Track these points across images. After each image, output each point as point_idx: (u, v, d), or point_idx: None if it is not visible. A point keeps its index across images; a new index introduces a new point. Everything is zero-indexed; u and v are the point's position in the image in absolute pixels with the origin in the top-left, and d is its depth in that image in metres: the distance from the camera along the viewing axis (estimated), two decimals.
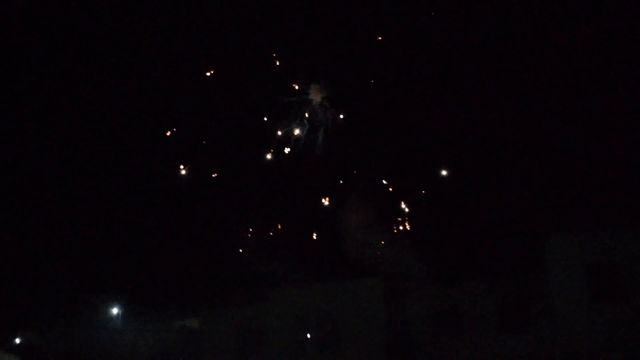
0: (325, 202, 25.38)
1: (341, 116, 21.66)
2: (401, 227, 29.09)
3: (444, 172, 24.42)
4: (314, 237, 32.52)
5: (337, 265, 31.68)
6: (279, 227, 31.60)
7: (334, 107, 21.35)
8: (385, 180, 26.08)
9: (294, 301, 31.28)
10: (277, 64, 21.25)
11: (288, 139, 21.59)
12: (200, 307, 35.00)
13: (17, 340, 36.19)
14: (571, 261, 23.81)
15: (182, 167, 23.20)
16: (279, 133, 21.38)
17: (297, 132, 21.25)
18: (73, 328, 36.19)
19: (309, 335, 30.82)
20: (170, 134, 23.63)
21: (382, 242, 30.35)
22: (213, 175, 24.84)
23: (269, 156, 22.27)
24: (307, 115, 21.01)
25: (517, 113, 30.56)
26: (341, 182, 26.68)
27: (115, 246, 37.29)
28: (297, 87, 20.72)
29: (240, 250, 31.39)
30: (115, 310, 36.40)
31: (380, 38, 21.45)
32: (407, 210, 27.23)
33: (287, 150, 22.00)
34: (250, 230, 31.88)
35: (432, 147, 29.57)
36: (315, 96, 20.87)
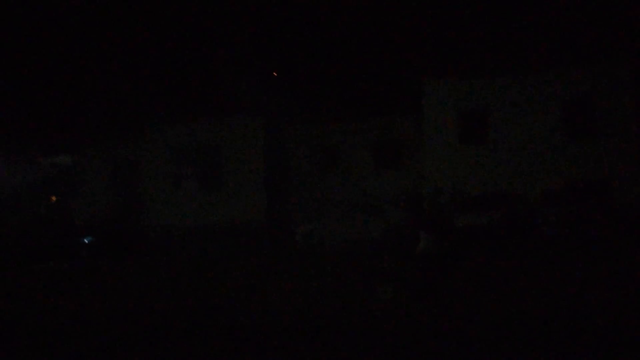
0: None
1: None
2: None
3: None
4: (194, 74, 31.73)
5: (218, 101, 31.34)
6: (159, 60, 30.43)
7: None
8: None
9: (171, 136, 30.88)
10: None
11: None
12: (72, 142, 33.74)
13: None
14: (444, 106, 25.37)
15: None
16: None
17: None
18: None
19: (186, 170, 31.03)
20: None
21: (264, 81, 30.34)
22: None
23: None
24: None
25: None
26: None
27: None
28: None
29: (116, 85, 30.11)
30: None
31: None
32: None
33: None
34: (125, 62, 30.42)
35: None
36: None
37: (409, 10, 30.23)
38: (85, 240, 22.79)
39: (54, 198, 36.22)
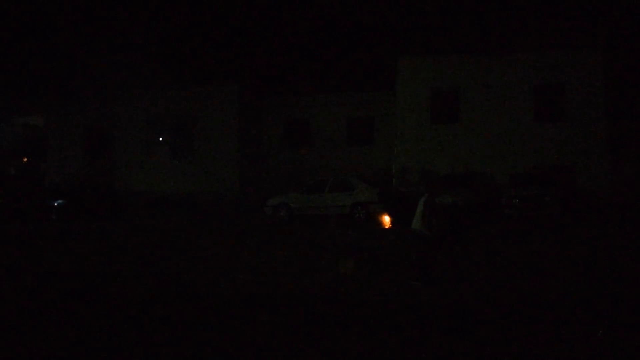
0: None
1: None
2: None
3: None
4: (170, 42, 31.45)
5: (193, 71, 31.24)
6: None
7: None
8: None
9: (145, 104, 30.73)
10: None
11: None
12: (45, 104, 33.40)
13: None
14: (418, 84, 25.60)
15: None
16: None
17: None
18: None
19: (160, 138, 30.94)
20: None
21: (241, 50, 30.24)
22: None
23: None
24: None
25: None
26: None
27: None
28: None
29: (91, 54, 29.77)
30: None
31: None
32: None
33: None
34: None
35: None
36: None
37: None
38: (55, 204, 22.74)
39: (25, 159, 35.93)
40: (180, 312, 7.75)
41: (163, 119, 30.59)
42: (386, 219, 17.47)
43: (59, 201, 22.83)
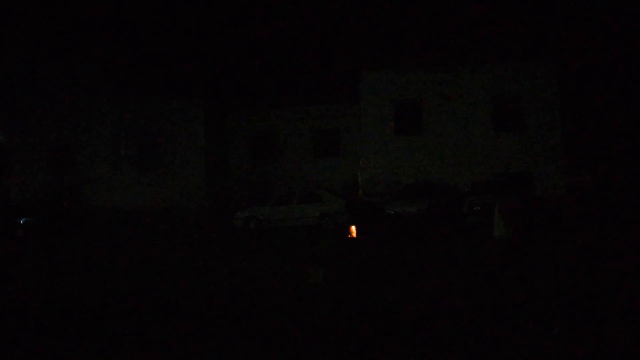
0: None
1: None
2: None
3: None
4: (134, 56, 31.51)
5: (158, 85, 31.36)
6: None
7: None
8: None
9: (110, 118, 30.65)
10: None
11: None
12: (6, 120, 32.99)
13: None
14: (381, 97, 26.26)
15: None
16: None
17: None
18: None
19: (124, 153, 30.89)
20: None
21: (206, 64, 30.47)
22: None
23: None
24: None
25: None
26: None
27: None
28: None
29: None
30: None
31: None
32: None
33: None
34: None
35: None
36: None
37: (351, 4, 31.05)
38: (21, 221, 22.59)
39: None
40: (150, 325, 8.00)
41: (129, 133, 30.57)
42: (353, 229, 17.94)
43: (24, 219, 22.70)
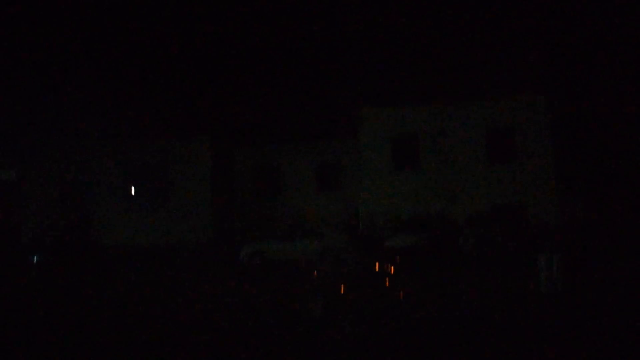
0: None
1: None
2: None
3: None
4: (142, 96, 32.74)
5: (166, 122, 32.50)
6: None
7: None
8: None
9: (119, 156, 31.74)
10: None
11: None
12: (18, 158, 34.04)
13: None
14: (379, 133, 27.27)
15: None
16: None
17: None
18: None
19: (133, 189, 31.83)
20: None
21: (213, 102, 31.69)
22: None
23: None
24: None
25: None
26: None
27: None
28: None
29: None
30: None
31: None
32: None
33: None
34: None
35: None
36: None
37: (349, 42, 32.39)
38: (34, 260, 23.31)
39: None
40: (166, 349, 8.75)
41: (138, 171, 31.60)
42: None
43: (36, 257, 23.42)
